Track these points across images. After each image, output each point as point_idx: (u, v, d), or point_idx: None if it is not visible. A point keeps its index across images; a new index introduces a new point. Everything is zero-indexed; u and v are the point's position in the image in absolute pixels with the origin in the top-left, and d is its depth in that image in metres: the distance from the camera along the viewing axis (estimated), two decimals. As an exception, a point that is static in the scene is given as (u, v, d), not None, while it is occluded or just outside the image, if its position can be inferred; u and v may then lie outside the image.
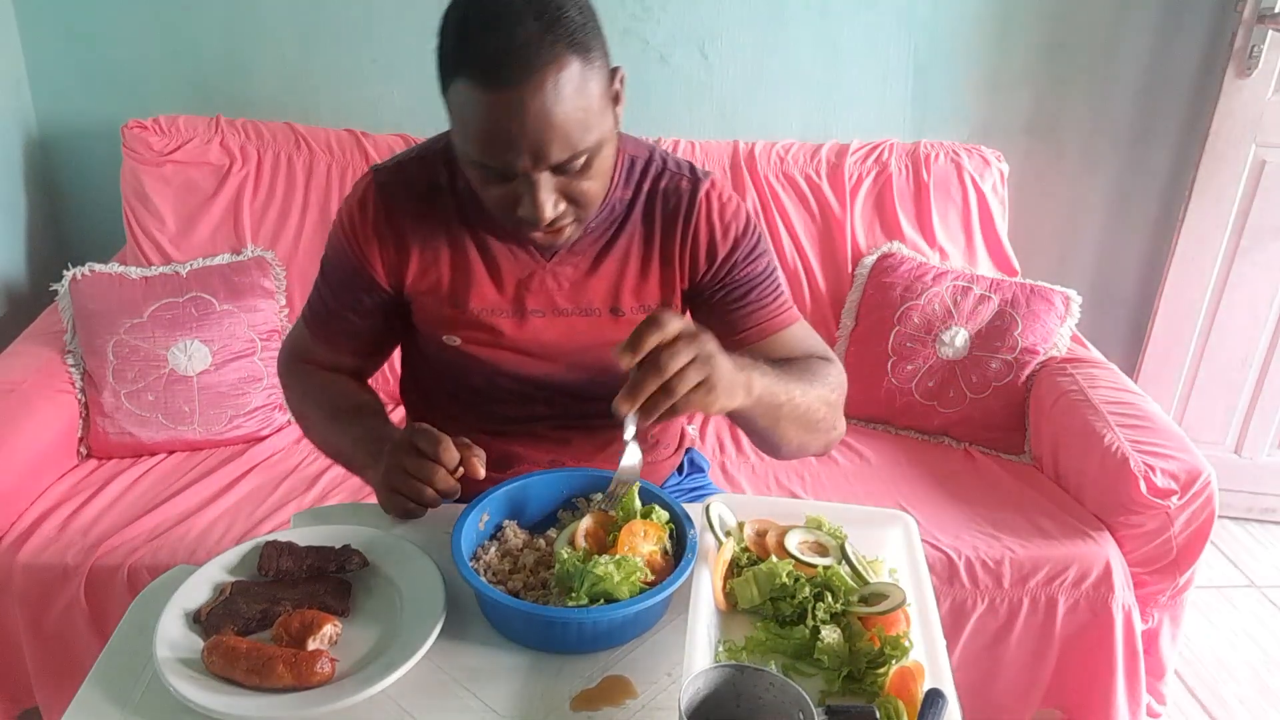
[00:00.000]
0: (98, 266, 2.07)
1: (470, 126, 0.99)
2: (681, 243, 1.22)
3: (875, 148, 2.34)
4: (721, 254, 1.22)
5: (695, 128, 2.42)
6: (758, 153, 2.31)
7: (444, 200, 1.18)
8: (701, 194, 1.21)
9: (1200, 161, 2.38)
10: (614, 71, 1.06)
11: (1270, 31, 2.22)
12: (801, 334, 1.28)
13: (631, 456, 1.04)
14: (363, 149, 2.25)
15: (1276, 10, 2.21)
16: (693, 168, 1.24)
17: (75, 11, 2.27)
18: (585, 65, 0.98)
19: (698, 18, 2.34)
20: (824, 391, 1.17)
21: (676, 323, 0.95)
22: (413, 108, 2.33)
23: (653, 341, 0.93)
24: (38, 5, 2.27)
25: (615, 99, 1.07)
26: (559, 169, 1.01)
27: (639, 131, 2.32)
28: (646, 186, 1.21)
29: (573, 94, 0.97)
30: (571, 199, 1.05)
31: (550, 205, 1.03)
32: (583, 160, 1.02)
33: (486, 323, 1.22)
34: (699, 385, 0.95)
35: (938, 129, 2.47)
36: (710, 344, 0.97)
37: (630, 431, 1.01)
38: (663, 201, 1.21)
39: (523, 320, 1.22)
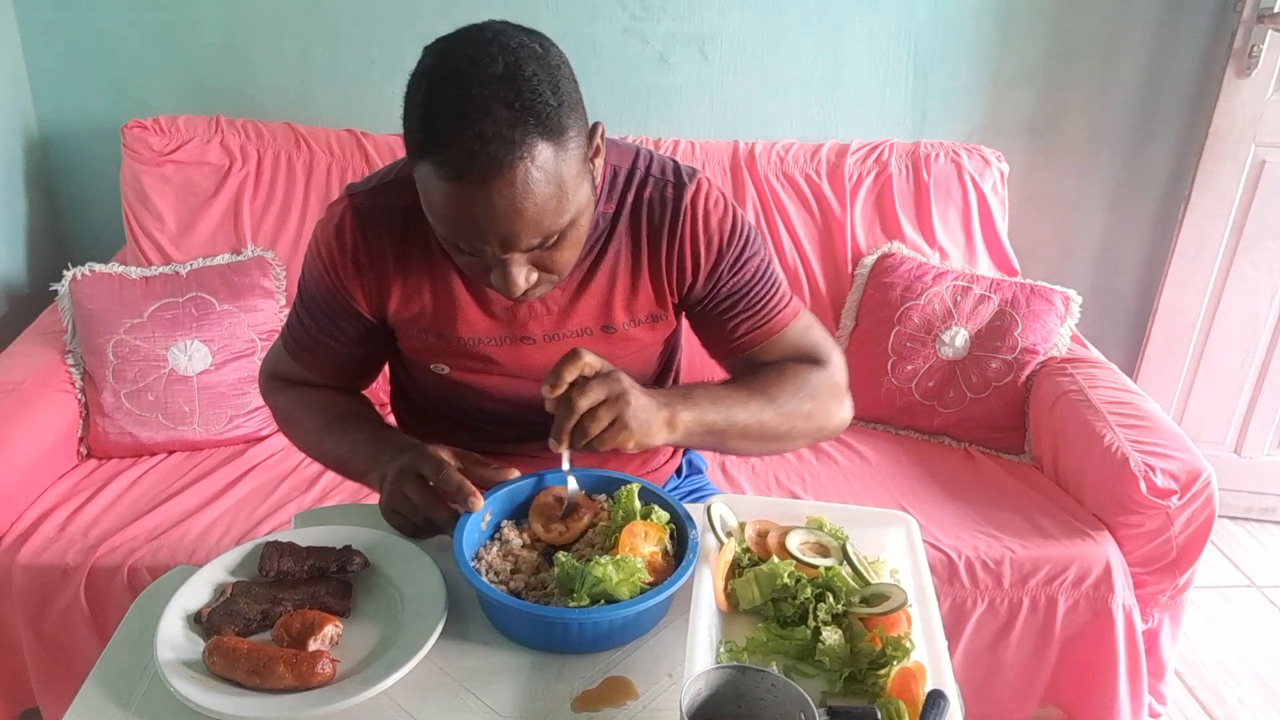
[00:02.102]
0: (98, 266, 2.07)
1: (436, 210, 0.97)
2: (668, 253, 1.17)
3: (875, 148, 2.34)
4: (706, 266, 1.18)
5: (695, 128, 2.42)
6: (758, 153, 2.31)
7: (424, 226, 1.09)
8: (686, 201, 1.16)
9: (1200, 161, 2.38)
10: (593, 129, 1.03)
11: (1270, 31, 2.22)
12: (798, 334, 1.24)
13: (570, 484, 1.10)
14: (363, 149, 2.25)
15: (1276, 10, 2.21)
16: (678, 170, 1.18)
17: (75, 12, 2.27)
18: (558, 150, 0.94)
19: (698, 18, 2.34)
20: (794, 404, 1.17)
21: (591, 357, 1.02)
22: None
23: (570, 374, 1.01)
24: (38, 5, 2.27)
25: (595, 153, 1.04)
26: (530, 248, 0.99)
27: (639, 132, 2.36)
28: (630, 197, 1.16)
29: (543, 184, 0.94)
30: (545, 269, 1.03)
31: (522, 279, 1.01)
32: (556, 238, 1.00)
33: (476, 352, 1.19)
34: (611, 424, 1.01)
35: (938, 129, 2.47)
36: (621, 383, 1.02)
37: (565, 463, 1.09)
38: (648, 211, 1.16)
39: (514, 347, 1.19)
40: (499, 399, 1.24)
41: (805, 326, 1.25)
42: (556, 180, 0.95)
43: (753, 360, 1.23)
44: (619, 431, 1.01)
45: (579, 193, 0.99)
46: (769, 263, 1.23)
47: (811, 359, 1.24)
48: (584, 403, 1.00)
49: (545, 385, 1.01)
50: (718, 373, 1.29)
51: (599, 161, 1.06)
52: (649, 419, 1.04)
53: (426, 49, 0.97)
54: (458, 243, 0.99)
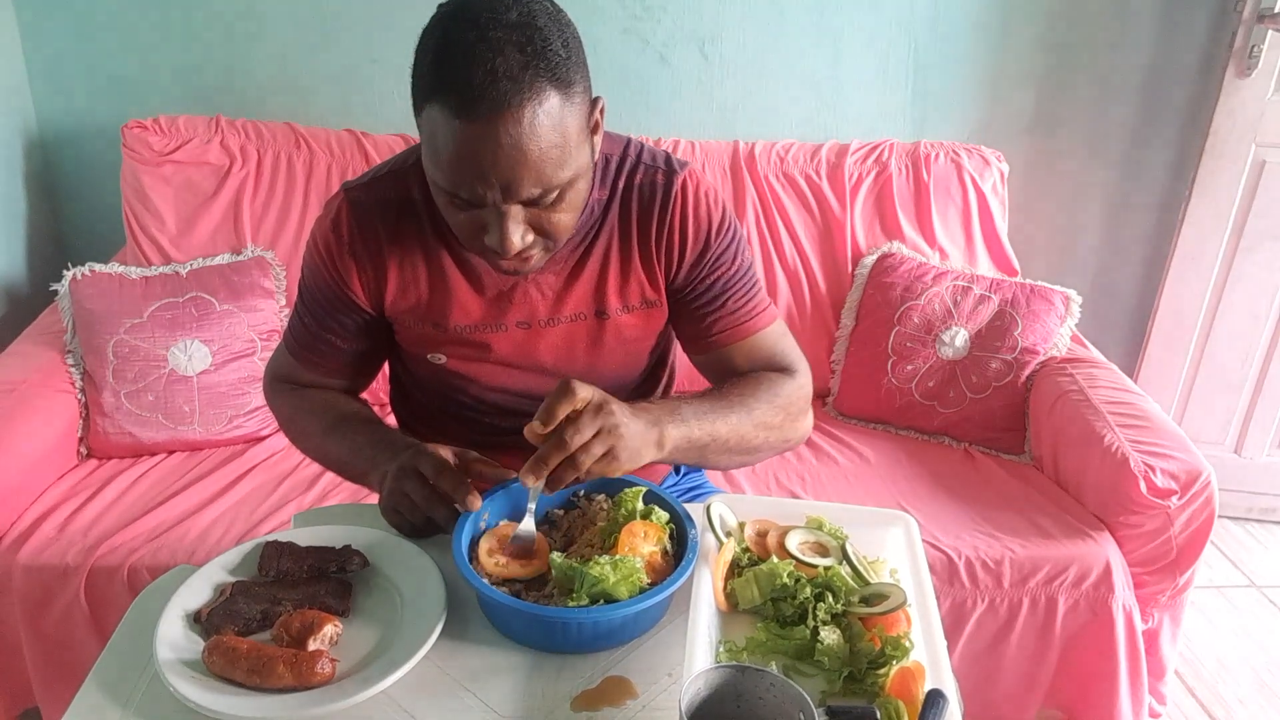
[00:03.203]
0: (98, 266, 2.07)
1: (441, 154, 0.97)
2: (658, 238, 1.18)
3: (875, 148, 2.34)
4: (692, 254, 1.19)
5: (695, 128, 2.42)
6: (758, 153, 2.31)
7: (419, 216, 1.15)
8: (676, 187, 1.17)
9: (1200, 161, 2.38)
10: (595, 102, 1.04)
11: (1270, 31, 2.22)
12: (770, 340, 1.25)
13: (528, 524, 1.04)
14: (363, 149, 2.25)
15: (1276, 10, 2.21)
16: (669, 159, 1.20)
17: (75, 11, 2.27)
18: (565, 100, 0.96)
19: (698, 18, 2.34)
20: (766, 416, 1.17)
21: (585, 391, 0.98)
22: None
23: (563, 411, 0.97)
24: (38, 5, 2.27)
25: (595, 129, 1.05)
26: (530, 202, 0.99)
27: (639, 132, 2.36)
28: (621, 184, 1.18)
29: (549, 130, 0.95)
30: (540, 231, 1.03)
31: (518, 237, 1.01)
32: (555, 195, 1.00)
33: (471, 339, 1.20)
34: (602, 456, 0.99)
35: (938, 129, 2.47)
36: (615, 415, 0.99)
37: (533, 503, 1.04)
38: (639, 197, 1.18)
39: (508, 334, 1.20)
40: (496, 389, 1.25)
41: (779, 334, 1.27)
42: (561, 130, 0.96)
43: (724, 359, 1.24)
44: (609, 463, 1.00)
45: (581, 151, 1.00)
46: (751, 264, 1.25)
47: (781, 367, 1.25)
48: (577, 440, 0.96)
49: (536, 421, 0.97)
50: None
51: (598, 139, 1.07)
52: (639, 447, 1.02)
53: (441, 4, 0.99)
54: (458, 190, 0.99)
